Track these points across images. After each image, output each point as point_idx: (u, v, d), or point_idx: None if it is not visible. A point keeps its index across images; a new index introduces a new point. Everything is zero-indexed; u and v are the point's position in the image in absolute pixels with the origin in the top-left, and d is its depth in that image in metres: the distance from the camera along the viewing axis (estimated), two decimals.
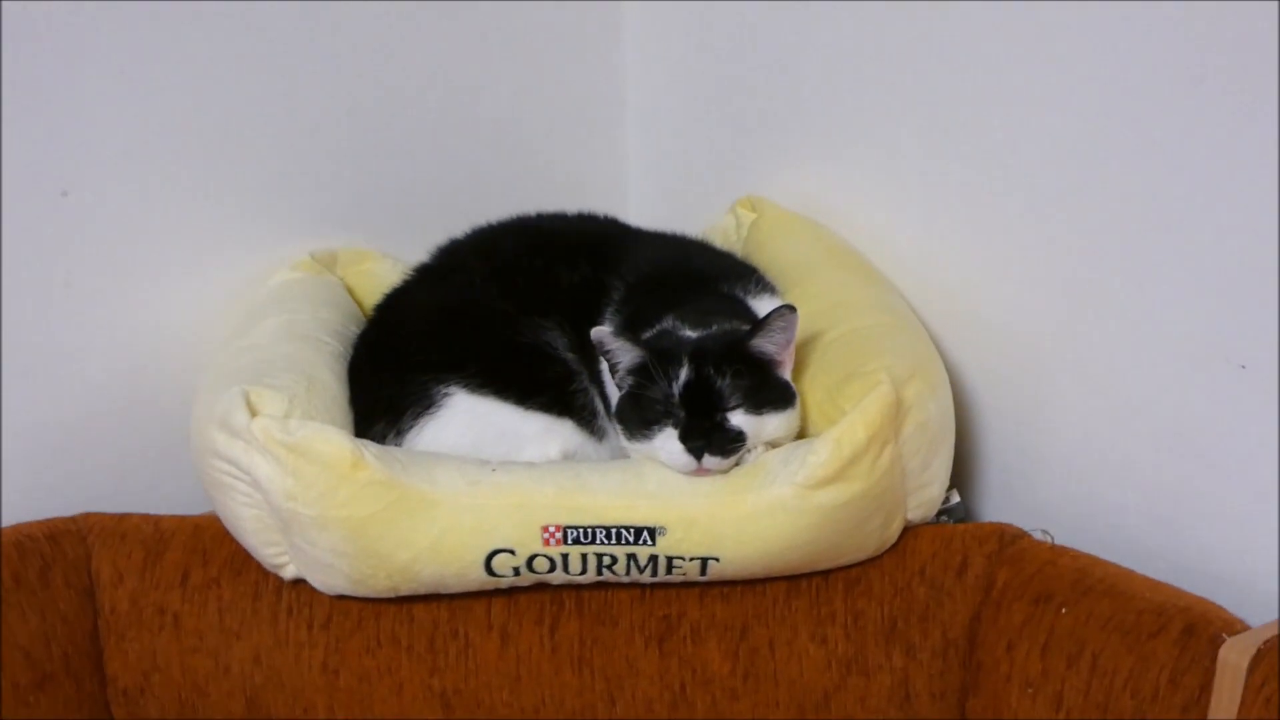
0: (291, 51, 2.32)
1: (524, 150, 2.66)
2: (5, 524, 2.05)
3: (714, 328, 1.94)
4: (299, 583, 1.98)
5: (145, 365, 2.25)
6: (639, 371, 1.90)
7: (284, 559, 1.94)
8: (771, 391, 1.89)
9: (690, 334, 1.94)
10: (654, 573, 1.89)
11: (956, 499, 2.10)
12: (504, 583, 1.91)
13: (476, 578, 1.89)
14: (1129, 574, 1.83)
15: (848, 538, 1.90)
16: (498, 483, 1.87)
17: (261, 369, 1.98)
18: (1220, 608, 1.74)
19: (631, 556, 1.87)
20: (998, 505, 2.19)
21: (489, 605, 1.98)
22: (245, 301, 2.26)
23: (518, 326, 2.07)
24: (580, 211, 2.32)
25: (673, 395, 1.86)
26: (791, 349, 1.92)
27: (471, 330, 2.08)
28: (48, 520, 2.06)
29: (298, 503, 1.83)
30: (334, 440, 1.82)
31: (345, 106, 2.41)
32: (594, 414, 2.06)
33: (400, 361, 2.06)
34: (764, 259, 2.28)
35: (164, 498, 2.15)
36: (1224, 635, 1.68)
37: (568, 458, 2.01)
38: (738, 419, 1.86)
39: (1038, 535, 1.96)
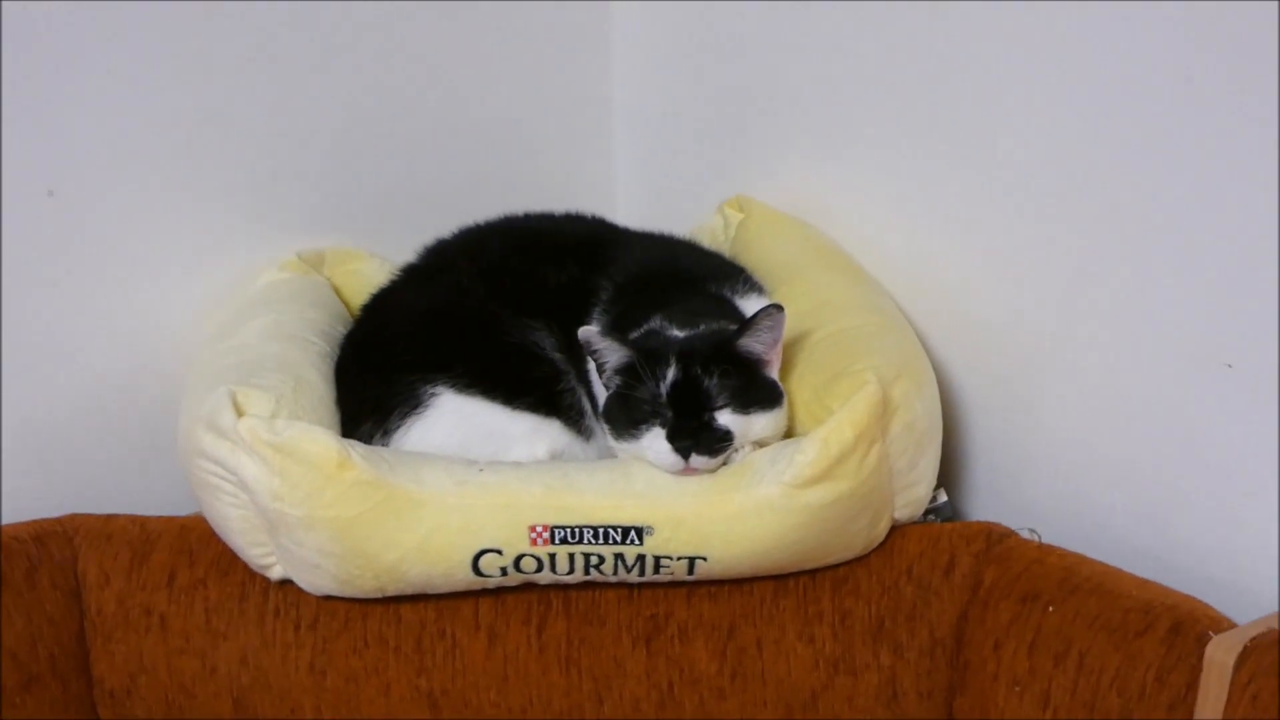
0: (279, 52, 2.32)
1: (512, 150, 2.66)
2: None
3: (701, 327, 1.94)
4: (286, 583, 1.97)
5: (132, 366, 2.25)
6: (626, 371, 1.90)
7: (271, 559, 1.94)
8: (759, 391, 1.89)
9: (678, 334, 1.94)
10: (641, 572, 1.89)
11: (944, 498, 2.10)
12: (491, 583, 1.90)
13: (464, 578, 1.88)
14: (1116, 572, 1.84)
15: (835, 537, 1.90)
16: (485, 483, 1.86)
17: (248, 369, 1.98)
18: (1207, 606, 1.74)
19: (619, 556, 1.87)
20: (985, 504, 2.20)
21: (476, 605, 1.98)
22: (232, 301, 2.26)
23: (505, 326, 2.06)
24: (568, 212, 2.32)
25: (660, 395, 1.86)
26: (779, 348, 1.92)
27: (459, 330, 2.08)
28: (34, 521, 2.06)
29: (284, 503, 1.82)
30: (320, 440, 1.82)
31: (333, 107, 2.41)
32: (581, 414, 2.06)
33: (387, 361, 2.06)
34: (752, 259, 2.28)
35: (151, 499, 2.14)
36: (1210, 633, 1.68)
37: (555, 458, 2.00)
38: (725, 418, 1.86)
39: (1025, 534, 1.96)
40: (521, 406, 2.02)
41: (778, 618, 1.96)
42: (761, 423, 1.89)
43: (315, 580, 1.92)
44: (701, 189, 2.58)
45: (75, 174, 2.15)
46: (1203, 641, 1.67)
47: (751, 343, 1.88)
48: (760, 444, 1.91)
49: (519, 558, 1.86)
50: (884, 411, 1.87)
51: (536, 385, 2.04)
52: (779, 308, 1.87)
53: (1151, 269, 1.87)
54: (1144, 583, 1.80)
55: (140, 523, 2.07)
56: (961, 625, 1.92)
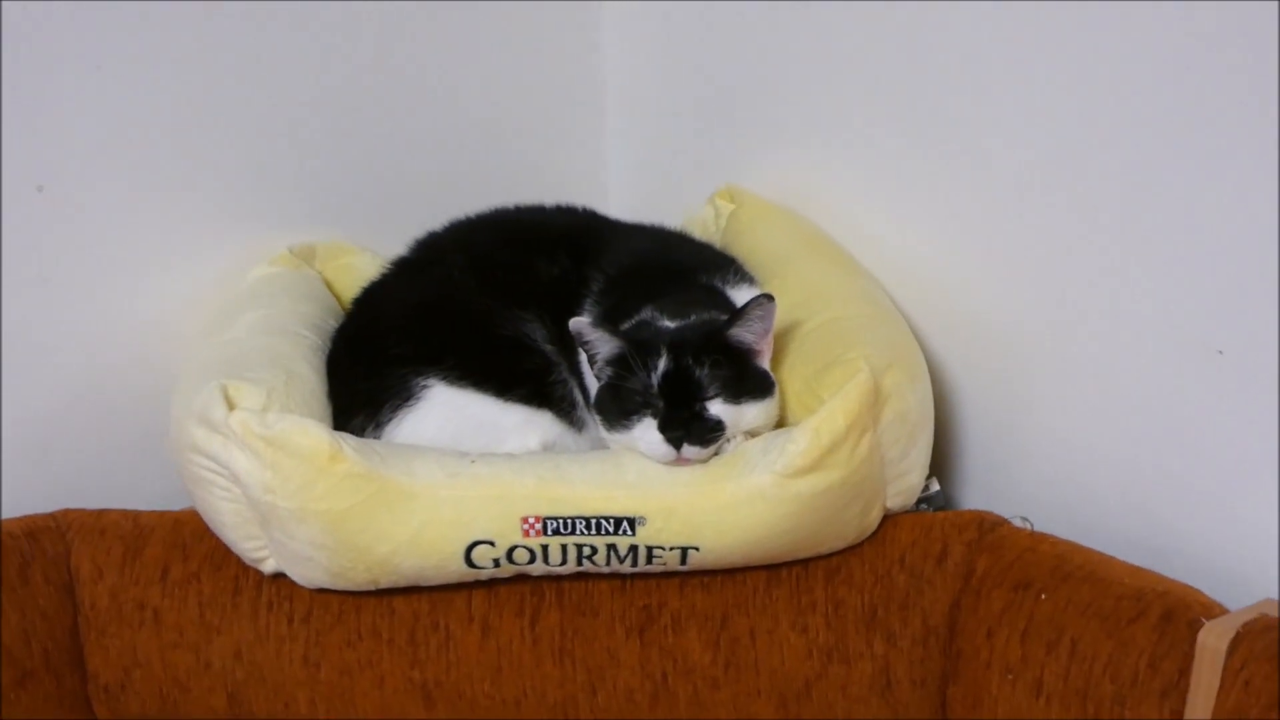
0: (270, 46, 2.32)
1: (503, 143, 2.66)
2: None
3: (693, 318, 1.94)
4: (279, 577, 1.98)
5: (123, 361, 2.25)
6: (618, 362, 1.90)
7: (264, 553, 1.94)
8: (750, 381, 1.89)
9: (669, 324, 1.94)
10: (634, 563, 1.89)
11: (936, 487, 2.10)
12: (484, 574, 1.91)
13: (456, 570, 1.88)
14: (1108, 560, 1.84)
15: (827, 526, 1.90)
16: (477, 474, 1.87)
17: (239, 363, 1.97)
18: (1199, 592, 1.74)
19: (611, 547, 1.87)
20: (977, 493, 2.20)
21: (469, 597, 1.98)
22: (223, 296, 2.26)
23: (496, 319, 2.07)
24: (559, 204, 2.33)
25: (651, 385, 1.86)
26: (770, 338, 1.92)
27: (450, 323, 2.08)
28: (26, 517, 2.06)
29: (276, 496, 1.82)
30: (312, 433, 1.82)
31: (324, 101, 2.41)
32: (573, 405, 2.06)
33: (379, 354, 2.06)
34: (743, 249, 2.28)
35: (143, 493, 2.14)
36: (1203, 619, 1.68)
37: (547, 449, 2.01)
38: (716, 408, 1.86)
39: (1017, 522, 1.96)
40: (513, 398, 2.02)
41: (771, 607, 1.96)
42: (753, 412, 1.89)
43: (308, 573, 1.92)
44: (692, 180, 2.57)
45: (65, 169, 2.14)
46: (1195, 628, 1.67)
47: (742, 333, 1.89)
48: (752, 434, 1.91)
49: (511, 549, 1.86)
50: (875, 400, 1.86)
51: (528, 377, 2.04)
52: (770, 297, 1.88)
53: (1142, 257, 1.87)
54: (1136, 570, 1.80)
55: (133, 517, 2.07)
56: (954, 614, 1.92)
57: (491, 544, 1.86)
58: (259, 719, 2.01)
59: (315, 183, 2.44)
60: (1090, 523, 1.96)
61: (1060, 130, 1.94)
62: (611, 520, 1.85)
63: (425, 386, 2.01)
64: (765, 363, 1.93)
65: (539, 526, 1.85)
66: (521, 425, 2.01)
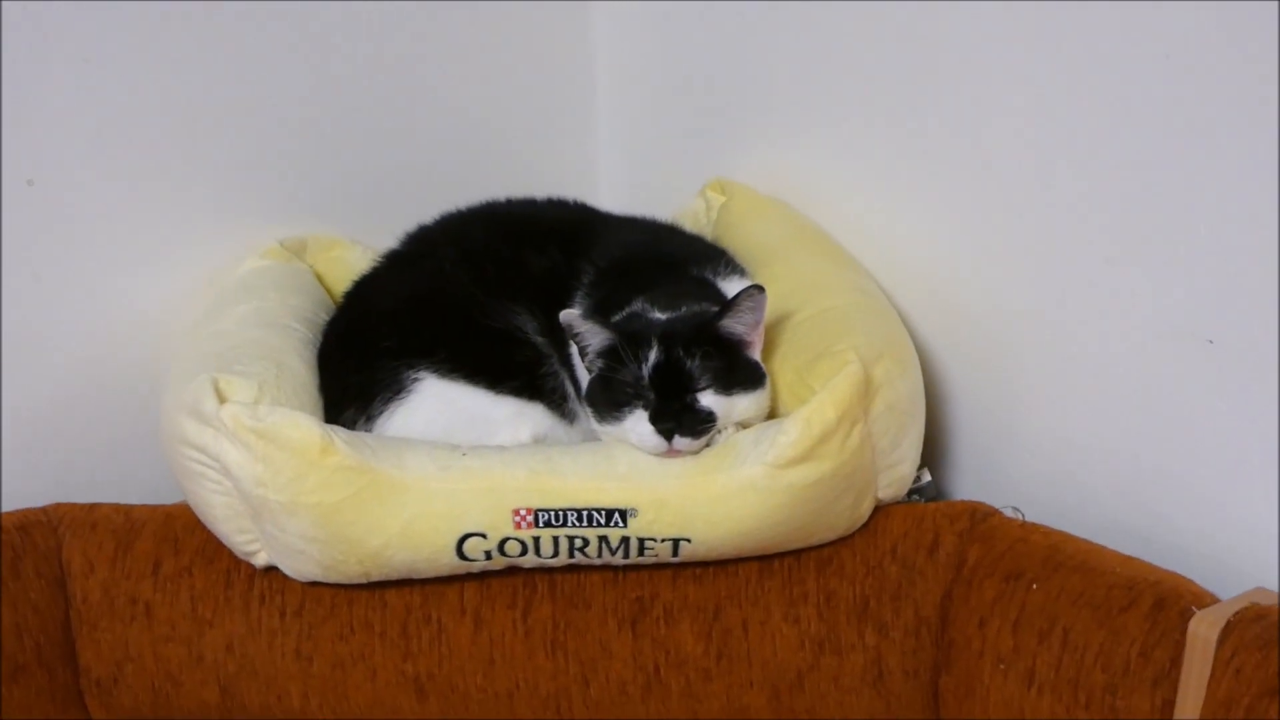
0: (260, 39, 2.32)
1: (494, 136, 2.66)
2: None
3: (683, 309, 1.94)
4: (271, 570, 1.97)
5: (114, 354, 2.25)
6: (609, 354, 1.90)
7: (255, 546, 1.94)
8: (741, 372, 1.90)
9: (660, 316, 1.94)
10: (626, 554, 1.89)
11: (927, 478, 2.10)
12: (476, 567, 1.90)
13: (448, 562, 1.88)
14: (1099, 549, 1.84)
15: (819, 517, 1.90)
16: (468, 467, 1.86)
17: (230, 356, 1.97)
18: (1190, 581, 1.74)
19: (603, 539, 1.87)
20: (969, 483, 2.20)
21: (461, 590, 1.98)
22: (214, 289, 2.26)
23: (487, 311, 2.06)
24: (550, 197, 2.32)
25: (642, 377, 1.86)
26: (761, 329, 1.92)
27: (441, 315, 2.08)
28: (18, 511, 2.05)
29: (268, 489, 1.82)
30: (303, 426, 1.82)
31: (314, 93, 2.41)
32: (564, 397, 2.06)
33: (370, 347, 2.06)
34: (734, 241, 2.29)
35: (135, 487, 2.14)
36: (1194, 608, 1.68)
37: (539, 441, 2.00)
38: (708, 400, 1.86)
39: (1009, 513, 1.97)
40: (504, 390, 2.02)
41: (763, 599, 1.97)
42: (744, 404, 1.89)
43: (300, 566, 1.92)
44: (683, 172, 2.58)
45: (55, 163, 2.14)
46: (1186, 617, 1.68)
47: (733, 324, 1.88)
48: (743, 425, 1.91)
49: (503, 541, 1.86)
50: (866, 391, 1.87)
51: (519, 369, 2.04)
52: (760, 288, 1.88)
53: (1133, 247, 1.87)
54: (1127, 559, 1.81)
55: (124, 511, 2.07)
56: (946, 604, 1.93)
57: (483, 536, 1.86)
58: (251, 712, 2.01)
59: (306, 176, 2.44)
60: (1082, 512, 1.96)
61: (1052, 122, 1.94)
62: (603, 512, 1.85)
63: (416, 379, 2.01)
64: (756, 354, 1.93)
65: (530, 519, 1.85)
66: (513, 417, 2.01)
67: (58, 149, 2.14)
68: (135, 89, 2.20)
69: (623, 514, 1.85)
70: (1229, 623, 1.64)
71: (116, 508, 2.07)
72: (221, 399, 1.85)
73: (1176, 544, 1.86)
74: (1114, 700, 1.71)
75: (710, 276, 2.09)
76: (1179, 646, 1.67)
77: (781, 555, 1.97)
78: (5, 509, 2.06)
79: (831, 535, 1.96)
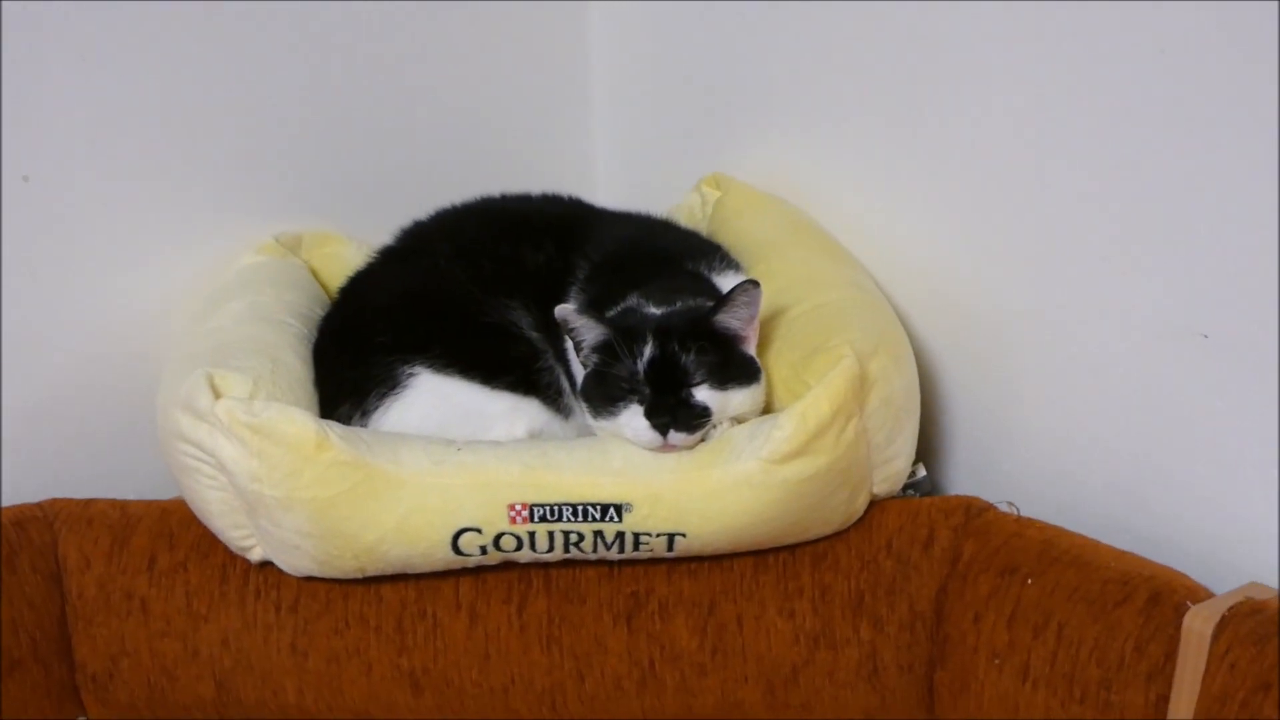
0: (257, 36, 2.32)
1: (490, 132, 2.66)
2: None
3: (678, 305, 1.94)
4: (266, 565, 1.97)
5: (110, 350, 2.25)
6: (603, 349, 1.90)
7: (251, 541, 1.94)
8: (736, 367, 1.90)
9: (655, 311, 1.94)
10: (621, 549, 1.89)
11: (923, 473, 2.10)
12: (471, 562, 1.91)
13: (443, 557, 1.88)
14: (1094, 544, 1.84)
15: (813, 512, 1.90)
16: (463, 462, 1.87)
17: (226, 352, 1.97)
18: (1185, 576, 1.75)
19: (598, 533, 1.87)
20: (964, 478, 2.20)
21: (457, 585, 1.98)
22: (210, 285, 2.26)
23: (482, 306, 2.07)
24: (545, 193, 2.32)
25: (637, 372, 1.86)
26: (755, 324, 1.92)
27: (436, 311, 2.08)
28: (14, 506, 2.06)
29: (263, 484, 1.82)
30: (298, 421, 1.82)
31: (310, 89, 2.41)
32: (560, 392, 2.06)
33: (365, 343, 2.06)
34: (729, 236, 2.29)
35: (130, 482, 2.14)
36: (1188, 603, 1.69)
37: (534, 436, 2.01)
38: (703, 395, 1.87)
39: (1003, 507, 1.97)
40: (499, 386, 2.02)
41: (758, 593, 1.97)
42: (739, 399, 1.89)
43: (295, 561, 1.92)
44: (679, 168, 2.58)
45: (51, 159, 2.14)
46: (1180, 612, 1.68)
47: (728, 319, 1.89)
48: (738, 420, 1.91)
49: (498, 536, 1.87)
50: (861, 386, 1.87)
51: (514, 364, 2.04)
52: (755, 283, 1.88)
53: (1128, 243, 1.88)
54: (1122, 554, 1.81)
55: (120, 506, 2.07)
56: (941, 599, 1.93)
57: (478, 531, 1.86)
58: (247, 707, 2.01)
59: (302, 172, 2.44)
60: (1076, 507, 1.97)
61: (1049, 120, 1.94)
62: (598, 507, 1.85)
63: (411, 374, 2.01)
64: (751, 349, 1.93)
65: (525, 514, 1.85)
66: (508, 413, 2.01)
67: (53, 145, 2.14)
68: (131, 86, 2.20)
69: (618, 509, 1.85)
70: (1224, 618, 1.64)
71: (112, 503, 2.07)
72: (217, 394, 1.85)
73: (1171, 539, 1.86)
74: (1109, 695, 1.72)
75: (705, 272, 2.09)
76: (1174, 641, 1.67)
77: (776, 550, 1.97)
78: (2, 504, 2.06)
79: (826, 530, 1.96)
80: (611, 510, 1.85)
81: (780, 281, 2.07)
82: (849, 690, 1.96)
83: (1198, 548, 1.84)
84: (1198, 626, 1.65)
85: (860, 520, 1.98)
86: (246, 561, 1.98)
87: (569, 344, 1.98)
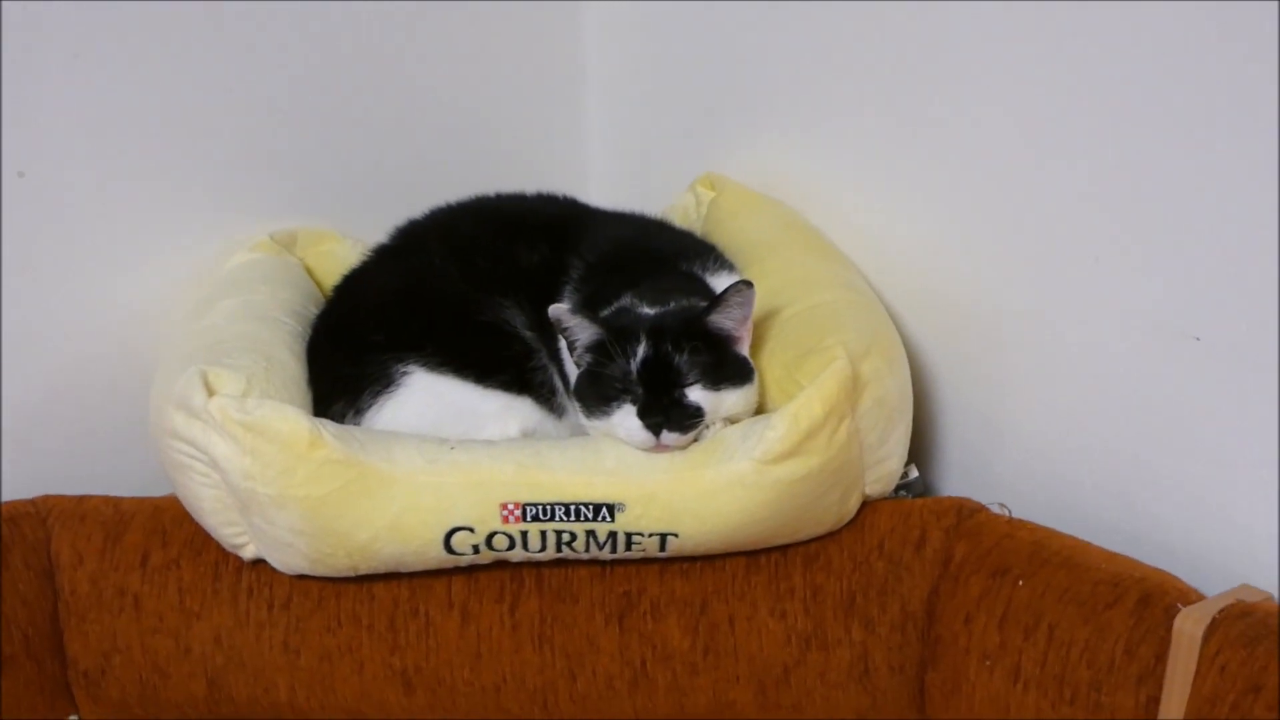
0: (252, 34, 2.32)
1: (485, 131, 2.66)
2: None
3: (672, 305, 1.94)
4: (259, 563, 1.98)
5: (104, 347, 2.25)
6: (597, 349, 1.90)
7: (243, 539, 1.94)
8: (729, 367, 1.90)
9: (648, 311, 1.94)
10: (613, 549, 1.89)
11: (915, 474, 2.11)
12: (463, 561, 1.91)
13: (436, 556, 1.89)
14: (1085, 546, 1.85)
15: (806, 512, 1.91)
16: (456, 461, 1.87)
17: (219, 349, 1.98)
18: (1175, 578, 1.75)
19: (590, 533, 1.87)
20: (956, 480, 2.20)
21: (449, 583, 1.98)
22: (204, 282, 2.26)
23: (476, 305, 2.07)
24: (540, 192, 2.32)
25: (631, 372, 1.86)
26: (749, 325, 1.92)
27: (430, 310, 2.08)
28: (7, 502, 2.06)
29: (256, 482, 1.82)
30: (291, 419, 1.82)
31: (306, 88, 2.41)
32: (553, 392, 2.07)
33: (359, 341, 2.06)
34: (723, 237, 2.29)
35: (124, 479, 2.14)
36: (1179, 605, 1.69)
37: (527, 435, 2.01)
38: (696, 395, 1.87)
39: (995, 509, 1.97)
40: (493, 385, 2.02)
41: (749, 594, 1.97)
42: (732, 399, 1.89)
43: (288, 559, 1.92)
44: (674, 168, 2.58)
45: (46, 156, 2.14)
46: (1171, 614, 1.68)
47: (722, 319, 1.89)
48: (731, 420, 1.91)
49: (491, 535, 1.87)
50: (854, 387, 1.87)
51: (508, 363, 2.04)
52: (748, 284, 1.88)
53: (1120, 245, 1.88)
54: (1113, 556, 1.81)
55: (113, 503, 2.07)
56: (933, 600, 1.93)
57: (471, 530, 1.86)
58: (239, 704, 2.01)
59: (297, 170, 2.44)
60: (1068, 509, 1.97)
61: (1043, 121, 1.94)
62: (590, 507, 1.85)
63: (405, 373, 2.01)
64: (744, 349, 1.93)
65: (518, 513, 1.85)
66: (501, 412, 2.01)
67: (48, 143, 2.14)
68: (126, 84, 2.20)
69: (610, 509, 1.85)
70: (1214, 620, 1.65)
71: (105, 500, 2.07)
72: (210, 392, 1.85)
73: (1162, 541, 1.87)
74: (1099, 696, 1.72)
75: (699, 272, 2.09)
76: (1164, 643, 1.68)
77: (768, 550, 1.97)
78: None
79: (819, 531, 1.96)
80: (604, 510, 1.85)
81: (774, 282, 2.07)
82: (840, 691, 1.96)
83: (1189, 550, 1.84)
84: (1188, 628, 1.65)
85: (852, 521, 1.99)
86: (239, 559, 1.98)
87: (562, 343, 1.97)
